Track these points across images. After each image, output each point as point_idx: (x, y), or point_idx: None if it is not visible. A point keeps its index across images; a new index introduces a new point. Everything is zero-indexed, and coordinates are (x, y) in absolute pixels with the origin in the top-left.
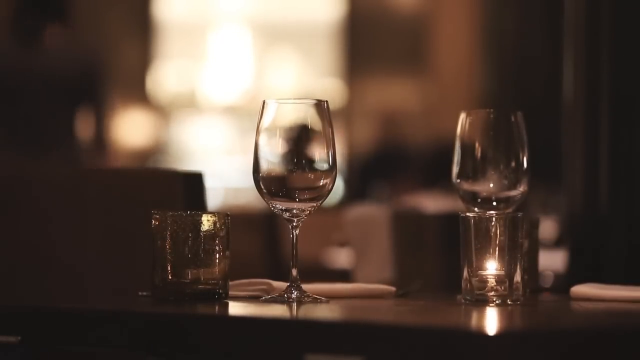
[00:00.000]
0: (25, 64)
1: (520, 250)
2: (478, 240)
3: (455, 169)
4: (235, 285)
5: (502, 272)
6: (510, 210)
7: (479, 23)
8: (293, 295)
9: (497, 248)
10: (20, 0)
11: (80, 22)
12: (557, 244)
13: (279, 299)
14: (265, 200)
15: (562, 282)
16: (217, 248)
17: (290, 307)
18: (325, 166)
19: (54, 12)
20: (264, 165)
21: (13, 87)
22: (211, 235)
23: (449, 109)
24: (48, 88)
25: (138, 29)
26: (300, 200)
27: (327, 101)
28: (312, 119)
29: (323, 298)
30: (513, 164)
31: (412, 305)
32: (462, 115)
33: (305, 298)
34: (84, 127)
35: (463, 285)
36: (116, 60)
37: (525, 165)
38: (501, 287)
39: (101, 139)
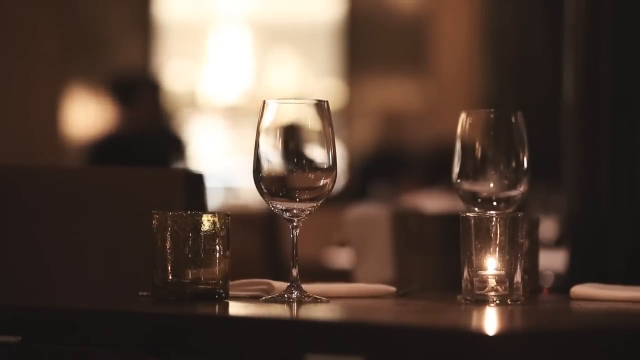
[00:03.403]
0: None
1: (521, 250)
2: (478, 240)
3: (455, 169)
4: (236, 285)
5: (502, 272)
6: (510, 210)
7: (479, 23)
8: (293, 295)
9: (497, 248)
10: None
11: None
12: (557, 244)
13: (279, 299)
14: (265, 200)
15: (562, 282)
16: (217, 248)
17: (290, 307)
18: (325, 166)
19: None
20: (264, 165)
21: None
22: (211, 235)
23: (449, 109)
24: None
25: (138, 29)
26: (300, 200)
27: (327, 101)
28: (312, 119)
29: (323, 298)
30: (513, 164)
31: (412, 305)
32: (462, 115)
33: (305, 298)
34: None
35: (463, 285)
36: (116, 60)
37: (525, 165)
38: (501, 287)
39: None
